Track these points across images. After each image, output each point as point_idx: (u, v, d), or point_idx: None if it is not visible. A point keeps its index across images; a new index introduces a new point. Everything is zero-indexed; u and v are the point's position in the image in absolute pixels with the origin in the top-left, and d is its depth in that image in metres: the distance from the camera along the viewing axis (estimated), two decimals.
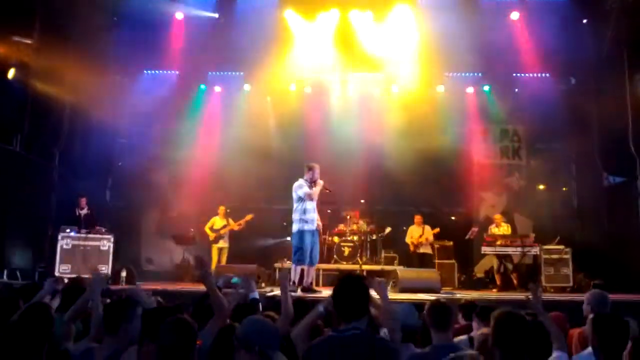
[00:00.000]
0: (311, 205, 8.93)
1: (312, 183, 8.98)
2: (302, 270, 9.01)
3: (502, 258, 11.49)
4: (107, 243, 10.77)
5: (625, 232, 11.95)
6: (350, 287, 3.26)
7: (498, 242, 11.43)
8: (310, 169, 9.04)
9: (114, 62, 12.90)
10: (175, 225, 13.42)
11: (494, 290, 11.39)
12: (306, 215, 8.90)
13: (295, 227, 9.01)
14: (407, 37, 13.17)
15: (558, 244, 11.43)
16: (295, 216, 9.00)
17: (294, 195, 9.01)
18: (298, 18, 13.32)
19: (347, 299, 3.22)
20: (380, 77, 14.31)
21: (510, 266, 11.48)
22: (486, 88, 14.15)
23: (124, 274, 10.74)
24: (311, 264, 9.03)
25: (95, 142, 12.55)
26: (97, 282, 4.31)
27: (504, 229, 11.86)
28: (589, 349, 3.68)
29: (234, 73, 14.53)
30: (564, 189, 14.37)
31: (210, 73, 14.55)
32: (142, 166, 13.53)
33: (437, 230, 12.47)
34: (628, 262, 11.42)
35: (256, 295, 5.73)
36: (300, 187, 8.96)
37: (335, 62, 13.79)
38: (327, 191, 9.20)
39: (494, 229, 11.88)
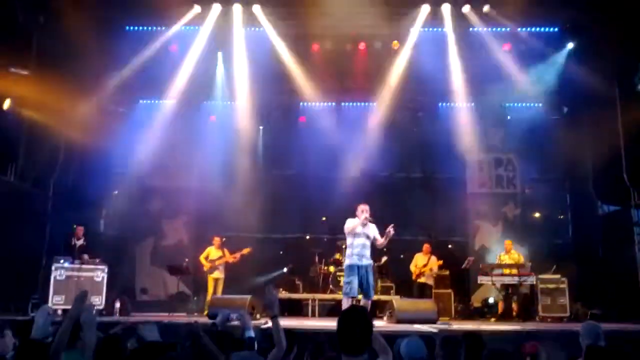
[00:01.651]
0: (353, 241, 8.94)
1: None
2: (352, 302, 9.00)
3: (509, 287, 11.35)
4: (100, 274, 10.64)
5: (620, 261, 11.96)
6: (353, 320, 3.19)
7: (495, 272, 11.36)
8: (357, 209, 9.09)
9: (109, 93, 12.94)
10: (169, 255, 13.34)
11: (492, 319, 11.29)
12: (351, 250, 9.00)
13: (344, 262, 9.23)
14: (400, 67, 13.29)
15: (554, 273, 11.38)
16: (346, 252, 9.24)
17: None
18: (291, 49, 13.39)
19: (349, 333, 3.15)
20: (374, 106, 14.38)
21: (514, 296, 11.37)
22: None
23: (117, 304, 10.64)
24: (364, 297, 8.96)
25: (90, 172, 12.55)
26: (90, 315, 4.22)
27: (515, 256, 11.69)
28: None
29: (228, 103, 14.56)
30: (560, 217, 14.40)
31: (205, 102, 14.57)
32: (137, 196, 13.52)
33: (440, 262, 12.37)
34: (624, 291, 11.42)
35: (252, 333, 5.64)
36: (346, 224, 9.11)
37: (329, 91, 13.92)
38: (369, 220, 9.07)
39: (503, 256, 11.76)
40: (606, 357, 3.56)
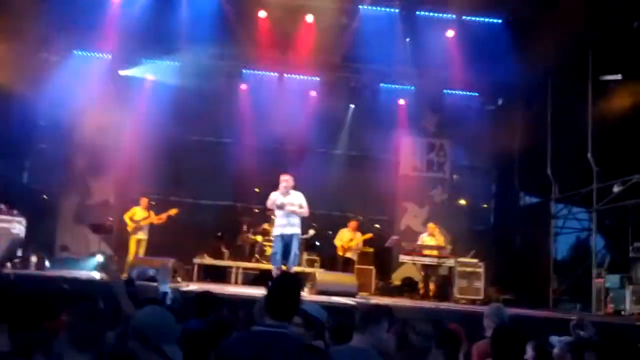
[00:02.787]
0: (278, 211, 9.43)
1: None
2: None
3: (428, 268, 11.60)
4: (18, 226, 10.28)
5: (536, 251, 12.51)
6: (285, 287, 3.25)
7: (416, 252, 11.64)
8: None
9: (42, 39, 12.38)
10: (93, 214, 13.04)
11: (416, 297, 11.51)
12: (277, 220, 9.57)
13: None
14: (342, 43, 13.27)
15: (472, 257, 11.78)
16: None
17: None
18: (237, 14, 13.12)
19: (279, 298, 3.18)
20: (316, 81, 14.37)
21: (433, 277, 11.68)
22: None
23: (34, 259, 10.31)
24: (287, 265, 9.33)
25: (17, 121, 12.04)
26: None
27: (437, 239, 11.90)
28: None
29: (167, 62, 14.17)
30: (484, 206, 14.89)
31: (143, 60, 14.14)
32: (63, 151, 13.09)
33: (370, 235, 12.54)
34: (536, 280, 11.96)
35: (166, 288, 5.62)
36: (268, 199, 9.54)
37: (272, 61, 13.80)
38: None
39: (425, 238, 11.94)
40: (513, 335, 3.72)
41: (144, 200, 12.03)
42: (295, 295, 3.24)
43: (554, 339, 4.63)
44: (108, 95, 13.37)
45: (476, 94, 14.49)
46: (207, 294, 5.19)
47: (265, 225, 12.78)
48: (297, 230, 9.39)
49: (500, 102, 14.66)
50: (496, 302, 11.13)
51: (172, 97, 13.69)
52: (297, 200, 9.33)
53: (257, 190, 13.93)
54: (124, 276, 9.50)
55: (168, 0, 12.88)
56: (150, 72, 14.19)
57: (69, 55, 13.50)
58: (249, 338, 3.19)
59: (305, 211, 9.38)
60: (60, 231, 13.39)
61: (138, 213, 11.87)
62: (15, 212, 10.47)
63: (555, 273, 12.37)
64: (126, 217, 11.85)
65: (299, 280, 3.41)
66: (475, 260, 11.66)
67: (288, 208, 9.23)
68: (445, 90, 14.57)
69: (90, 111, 13.00)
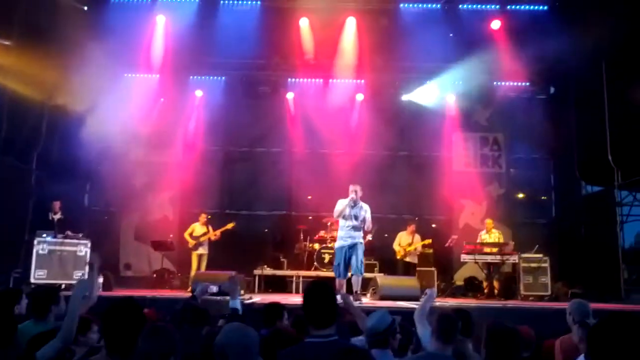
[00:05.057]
0: (343, 222, 9.23)
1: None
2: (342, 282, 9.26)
3: (492, 266, 11.33)
4: (83, 248, 10.55)
5: (602, 241, 12.06)
6: (321, 294, 3.27)
7: (477, 250, 11.38)
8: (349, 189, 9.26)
9: (94, 64, 12.72)
10: (154, 231, 13.28)
11: (481, 297, 11.28)
12: (340, 232, 9.32)
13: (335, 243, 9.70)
14: (387, 43, 13.18)
15: (536, 252, 11.46)
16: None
17: None
18: (281, 23, 13.22)
19: (318, 307, 3.23)
20: (360, 83, 14.28)
21: (496, 275, 11.43)
22: None
23: (101, 280, 10.56)
24: (353, 273, 9.19)
25: (75, 145, 12.38)
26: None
27: (495, 235, 11.66)
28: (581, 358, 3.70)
29: (215, 78, 14.41)
30: (543, 198, 14.49)
31: (191, 77, 14.39)
32: (121, 170, 13.38)
33: (429, 241, 12.31)
34: (605, 271, 11.54)
35: (237, 304, 5.66)
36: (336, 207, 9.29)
37: (316, 67, 13.81)
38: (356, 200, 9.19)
39: (483, 236, 11.74)
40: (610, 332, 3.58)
41: (203, 217, 12.19)
42: (331, 301, 3.27)
43: None
44: (160, 113, 13.68)
45: (527, 84, 14.11)
46: (275, 305, 5.29)
47: (322, 233, 12.77)
48: (358, 239, 9.24)
49: (552, 90, 14.31)
50: (564, 296, 10.90)
51: (220, 111, 13.92)
52: (362, 214, 9.16)
53: (309, 197, 13.96)
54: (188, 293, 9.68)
55: (210, 17, 13.04)
56: (198, 89, 14.38)
57: (120, 77, 13.81)
58: (301, 350, 3.22)
59: (368, 227, 9.31)
60: (123, 250, 13.73)
61: (197, 229, 12.03)
62: (80, 235, 10.77)
63: (624, 263, 11.89)
64: (186, 235, 12.02)
65: (329, 286, 3.41)
66: (539, 255, 11.31)
67: (353, 222, 9.13)
68: (495, 82, 14.25)
69: (144, 129, 13.29)
